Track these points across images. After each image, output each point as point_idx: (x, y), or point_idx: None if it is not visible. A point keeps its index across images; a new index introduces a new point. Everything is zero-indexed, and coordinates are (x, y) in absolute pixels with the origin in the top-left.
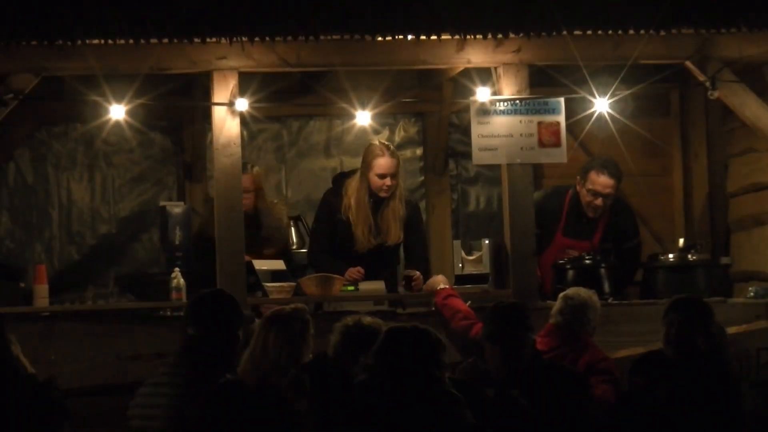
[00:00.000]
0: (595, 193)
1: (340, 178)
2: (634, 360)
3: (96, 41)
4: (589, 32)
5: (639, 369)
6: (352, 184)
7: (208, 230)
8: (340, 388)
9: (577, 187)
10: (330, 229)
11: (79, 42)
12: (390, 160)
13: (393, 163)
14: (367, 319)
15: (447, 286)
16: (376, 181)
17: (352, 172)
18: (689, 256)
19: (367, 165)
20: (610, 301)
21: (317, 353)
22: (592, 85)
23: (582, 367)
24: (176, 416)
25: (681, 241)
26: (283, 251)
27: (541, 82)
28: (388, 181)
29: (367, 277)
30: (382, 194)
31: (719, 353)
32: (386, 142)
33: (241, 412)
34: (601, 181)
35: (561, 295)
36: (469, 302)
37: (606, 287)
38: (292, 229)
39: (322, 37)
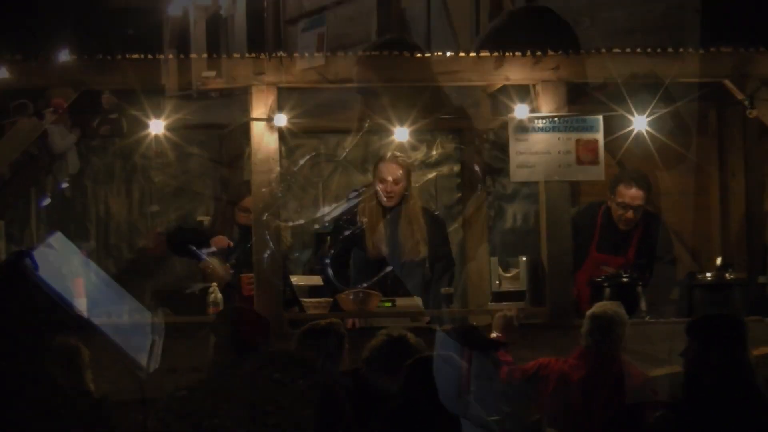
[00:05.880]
0: (625, 206)
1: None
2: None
3: (135, 56)
4: (627, 50)
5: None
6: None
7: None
8: (372, 401)
9: (608, 202)
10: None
11: (119, 57)
12: (389, 165)
13: (394, 168)
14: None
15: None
16: (378, 186)
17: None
18: (726, 274)
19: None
20: (647, 318)
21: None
22: (630, 103)
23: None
24: None
25: (718, 259)
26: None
27: (579, 99)
28: (388, 186)
29: (395, 291)
30: (385, 201)
31: (747, 395)
32: (399, 153)
33: None
34: (630, 193)
35: (588, 314)
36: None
37: (643, 305)
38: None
39: (360, 53)
